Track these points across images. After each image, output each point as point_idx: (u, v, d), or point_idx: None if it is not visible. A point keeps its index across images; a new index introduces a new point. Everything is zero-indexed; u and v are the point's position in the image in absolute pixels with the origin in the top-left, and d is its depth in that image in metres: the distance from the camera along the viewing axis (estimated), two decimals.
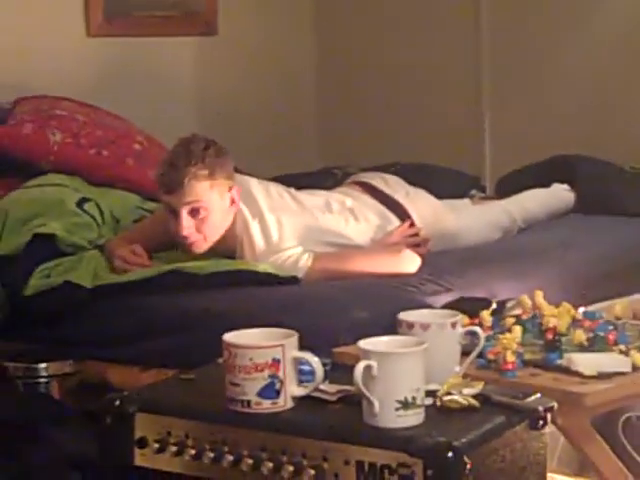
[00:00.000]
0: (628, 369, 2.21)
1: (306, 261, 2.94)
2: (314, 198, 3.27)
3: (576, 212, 3.79)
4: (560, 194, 3.83)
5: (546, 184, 3.84)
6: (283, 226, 3.00)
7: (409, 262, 2.99)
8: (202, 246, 2.95)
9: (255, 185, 3.16)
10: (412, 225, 3.28)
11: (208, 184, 2.90)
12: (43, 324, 2.90)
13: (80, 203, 3.24)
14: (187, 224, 2.90)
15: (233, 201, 2.99)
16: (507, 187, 3.93)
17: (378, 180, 3.48)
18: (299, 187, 3.41)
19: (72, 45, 4.16)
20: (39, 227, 3.07)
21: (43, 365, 2.83)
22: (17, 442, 2.33)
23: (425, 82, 4.67)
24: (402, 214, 3.32)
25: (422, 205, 3.41)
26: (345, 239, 3.13)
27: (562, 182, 3.86)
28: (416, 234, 3.24)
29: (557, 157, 4.05)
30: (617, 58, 4.22)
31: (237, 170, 4.02)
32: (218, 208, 2.94)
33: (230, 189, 2.98)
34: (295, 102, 4.87)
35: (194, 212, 2.91)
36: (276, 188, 3.22)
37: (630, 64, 4.20)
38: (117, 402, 1.96)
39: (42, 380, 2.82)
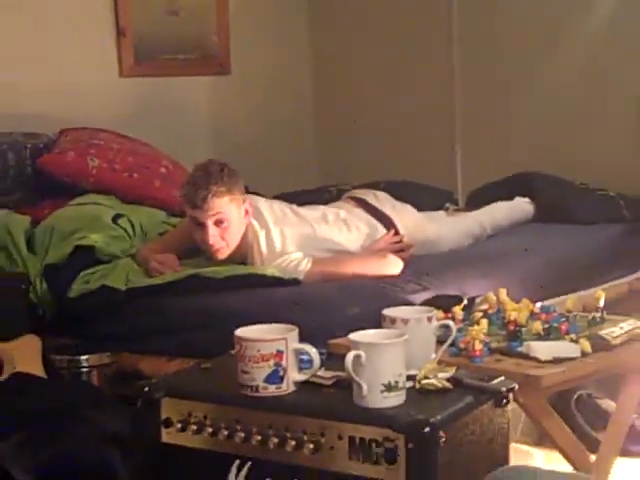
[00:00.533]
0: (578, 354, 2.21)
1: (305, 265, 2.94)
2: (312, 212, 3.27)
3: (535, 221, 3.79)
4: (522, 206, 3.82)
5: (510, 197, 3.84)
6: (286, 236, 3.00)
7: (393, 265, 2.98)
8: (225, 252, 2.96)
9: (262, 203, 3.16)
10: (396, 234, 3.28)
11: (227, 199, 2.91)
12: (84, 322, 2.91)
13: (115, 218, 3.24)
14: (213, 233, 2.91)
15: (247, 212, 3.00)
16: (477, 200, 3.92)
17: (370, 196, 3.49)
18: (300, 202, 3.42)
19: (107, 84, 4.15)
20: (80, 239, 3.07)
21: (84, 357, 2.82)
22: (63, 423, 2.33)
23: (407, 113, 4.65)
24: (389, 224, 3.32)
25: (406, 216, 3.41)
26: (339, 246, 3.13)
27: (523, 195, 3.86)
28: (399, 241, 3.24)
29: (519, 174, 4.03)
30: (570, 92, 4.21)
31: (246, 189, 4.06)
32: (236, 218, 2.95)
33: (244, 202, 2.99)
34: (296, 130, 4.86)
35: (217, 223, 2.92)
36: (279, 205, 3.22)
37: (580, 98, 4.18)
38: (146, 388, 1.96)
39: (84, 370, 2.81)
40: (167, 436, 1.93)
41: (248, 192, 3.94)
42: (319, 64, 4.96)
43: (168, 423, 1.93)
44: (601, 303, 2.45)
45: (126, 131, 3.85)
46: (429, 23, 4.59)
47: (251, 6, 4.68)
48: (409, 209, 3.49)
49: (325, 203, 3.54)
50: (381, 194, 3.53)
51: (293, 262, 2.94)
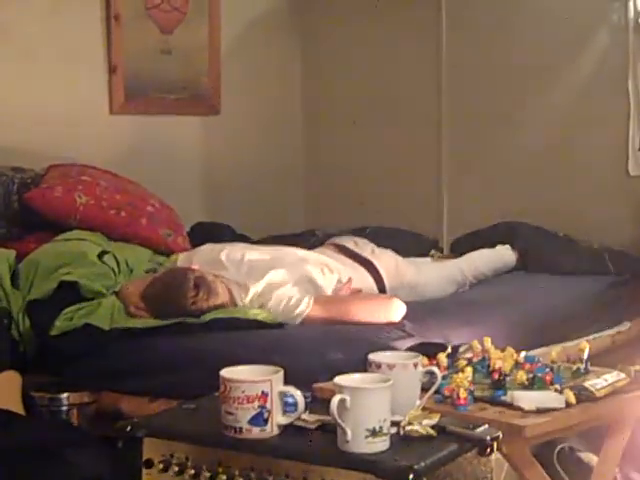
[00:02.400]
0: (562, 405, 2.21)
1: (307, 305, 2.94)
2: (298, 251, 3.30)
3: (519, 270, 3.81)
4: (503, 254, 3.84)
5: (493, 246, 3.86)
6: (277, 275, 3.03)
7: (398, 309, 2.96)
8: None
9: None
10: (378, 277, 3.31)
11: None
12: (66, 360, 2.87)
13: (100, 255, 3.22)
14: None
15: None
16: (461, 248, 3.94)
17: (350, 242, 3.52)
18: (287, 245, 3.44)
19: (97, 121, 4.15)
20: (65, 275, 3.04)
21: (65, 395, 2.79)
22: (42, 462, 2.30)
23: (393, 164, 4.69)
24: (369, 267, 3.34)
25: (385, 259, 3.44)
26: (319, 288, 3.14)
27: (505, 244, 3.89)
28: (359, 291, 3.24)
29: (503, 223, 4.07)
30: (555, 145, 4.24)
31: (234, 231, 4.07)
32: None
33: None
34: (284, 173, 4.88)
35: None
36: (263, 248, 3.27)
37: (565, 150, 4.22)
38: (128, 427, 1.94)
39: (63, 408, 2.77)
40: (148, 477, 1.91)
41: (235, 234, 3.99)
42: (308, 110, 4.99)
43: (149, 464, 1.90)
44: (585, 354, 2.46)
45: (114, 168, 3.85)
46: (417, 73, 4.64)
47: (243, 49, 4.72)
48: (388, 253, 3.52)
49: (311, 247, 3.56)
50: (360, 240, 3.57)
51: (292, 301, 2.94)
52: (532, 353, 2.57)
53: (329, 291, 3.15)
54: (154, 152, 4.29)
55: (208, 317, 2.90)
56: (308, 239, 3.81)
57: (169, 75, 4.44)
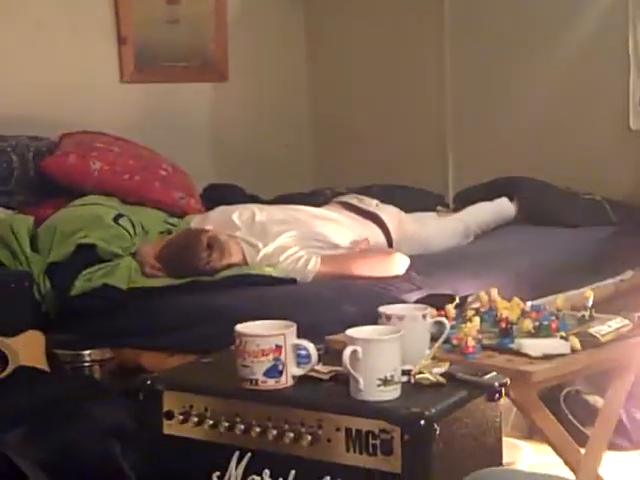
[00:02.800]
0: (567, 351, 2.21)
1: (314, 264, 2.94)
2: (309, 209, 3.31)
3: (523, 223, 3.79)
4: (504, 205, 3.84)
5: (494, 199, 3.85)
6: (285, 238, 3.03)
7: (400, 263, 2.97)
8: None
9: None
10: (384, 230, 3.31)
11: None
12: (86, 319, 2.88)
13: (116, 218, 3.22)
14: None
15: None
16: (464, 201, 3.93)
17: (353, 199, 3.53)
18: (296, 204, 3.45)
19: (109, 89, 4.14)
20: (82, 238, 3.05)
21: (87, 352, 2.82)
22: (67, 416, 2.32)
23: (398, 123, 4.67)
24: (374, 219, 3.34)
25: (389, 212, 3.44)
26: (331, 243, 3.14)
27: (509, 198, 3.87)
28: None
29: (505, 177, 4.05)
30: (557, 101, 4.22)
31: (244, 191, 4.07)
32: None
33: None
34: (293, 135, 4.86)
35: None
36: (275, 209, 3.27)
37: (567, 106, 4.19)
38: (148, 382, 1.95)
39: (86, 364, 2.81)
40: (169, 428, 1.92)
41: (245, 195, 3.99)
42: (315, 71, 4.96)
43: (170, 415, 1.91)
44: (590, 302, 2.45)
45: (127, 135, 3.84)
46: (420, 34, 4.61)
47: (249, 16, 4.68)
48: (392, 208, 3.51)
49: (319, 206, 3.56)
50: (366, 198, 3.56)
51: (301, 261, 2.94)
52: (538, 302, 2.57)
53: (344, 248, 3.14)
54: (165, 119, 4.27)
55: (222, 275, 2.90)
56: (316, 198, 3.80)
57: (177, 44, 4.42)
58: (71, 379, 2.71)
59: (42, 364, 2.65)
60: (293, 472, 1.80)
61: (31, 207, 3.41)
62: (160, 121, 4.25)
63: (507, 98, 4.35)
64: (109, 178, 3.47)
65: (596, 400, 2.94)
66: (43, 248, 3.08)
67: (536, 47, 4.25)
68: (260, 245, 3.03)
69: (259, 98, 4.72)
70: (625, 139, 4.05)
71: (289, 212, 3.28)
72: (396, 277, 2.90)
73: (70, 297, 2.89)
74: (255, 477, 1.83)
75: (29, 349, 2.66)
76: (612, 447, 2.61)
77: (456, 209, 3.87)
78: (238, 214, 3.23)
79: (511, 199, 3.84)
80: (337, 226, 3.24)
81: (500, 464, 1.85)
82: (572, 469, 2.33)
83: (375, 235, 3.30)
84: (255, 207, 3.35)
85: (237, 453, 1.84)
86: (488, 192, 3.90)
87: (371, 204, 3.47)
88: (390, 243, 3.33)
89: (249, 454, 1.83)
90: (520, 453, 2.68)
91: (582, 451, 2.42)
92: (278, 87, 4.81)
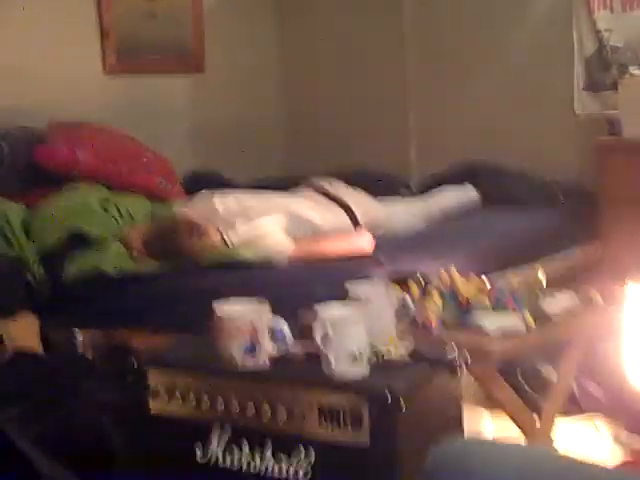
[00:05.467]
0: (523, 328, 2.22)
1: (289, 246, 2.93)
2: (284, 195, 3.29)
3: (480, 205, 3.80)
4: (466, 190, 3.84)
5: (456, 183, 3.85)
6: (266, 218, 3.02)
7: (366, 241, 2.97)
8: None
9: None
10: (351, 215, 3.30)
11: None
12: (78, 302, 2.86)
13: (103, 205, 3.20)
14: None
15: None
16: (428, 187, 3.92)
17: (325, 183, 3.51)
18: (271, 188, 3.43)
19: (92, 81, 4.08)
20: (73, 225, 3.02)
21: (79, 334, 2.79)
22: (61, 394, 2.30)
23: (364, 111, 4.63)
24: (344, 206, 3.33)
25: (358, 199, 3.43)
26: (317, 227, 3.14)
27: (469, 182, 3.87)
28: None
29: (465, 163, 4.05)
30: (512, 89, 4.21)
31: (222, 176, 4.04)
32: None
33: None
34: (266, 123, 4.82)
35: None
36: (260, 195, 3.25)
37: (517, 95, 4.19)
38: (134, 364, 1.94)
39: (78, 345, 2.79)
40: (154, 404, 1.92)
41: (224, 180, 3.96)
42: (286, 63, 4.92)
43: (155, 393, 1.91)
44: (542, 279, 2.46)
45: (110, 124, 3.78)
46: (384, 21, 4.57)
47: (223, 10, 4.63)
48: (359, 192, 3.51)
49: (292, 188, 3.54)
50: (335, 181, 3.55)
51: (277, 244, 2.93)
52: (494, 279, 2.57)
53: (326, 230, 3.14)
54: (146, 108, 4.22)
55: (204, 260, 2.88)
56: (290, 182, 3.78)
57: (156, 37, 4.35)
58: (64, 360, 2.68)
59: (36, 346, 2.63)
60: (270, 445, 1.80)
61: (21, 195, 3.35)
62: (141, 111, 4.19)
63: (465, 88, 4.34)
64: (94, 166, 3.42)
65: (550, 372, 2.96)
66: (35, 235, 3.04)
67: (489, 40, 4.24)
68: (240, 228, 3.01)
69: (234, 88, 4.67)
70: (571, 123, 4.06)
71: (268, 198, 3.25)
72: (364, 257, 2.89)
73: (62, 282, 2.86)
74: (235, 450, 1.82)
75: (24, 331, 2.64)
76: (564, 413, 2.63)
77: (419, 192, 3.86)
78: (218, 199, 3.21)
79: (472, 183, 3.84)
80: (314, 210, 3.22)
81: (462, 435, 1.86)
82: (527, 435, 2.35)
83: (343, 219, 3.29)
84: (235, 192, 3.33)
85: (218, 428, 1.83)
86: (451, 177, 3.90)
87: (340, 188, 3.45)
88: (357, 226, 3.32)
89: (229, 429, 1.83)
90: (482, 421, 2.69)
91: (537, 419, 2.44)
92: (252, 77, 4.77)
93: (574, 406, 2.89)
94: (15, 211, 3.09)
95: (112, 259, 2.90)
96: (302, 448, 1.77)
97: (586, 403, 2.92)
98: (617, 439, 2.77)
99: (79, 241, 2.98)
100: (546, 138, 4.12)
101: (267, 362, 1.88)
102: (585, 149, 3.91)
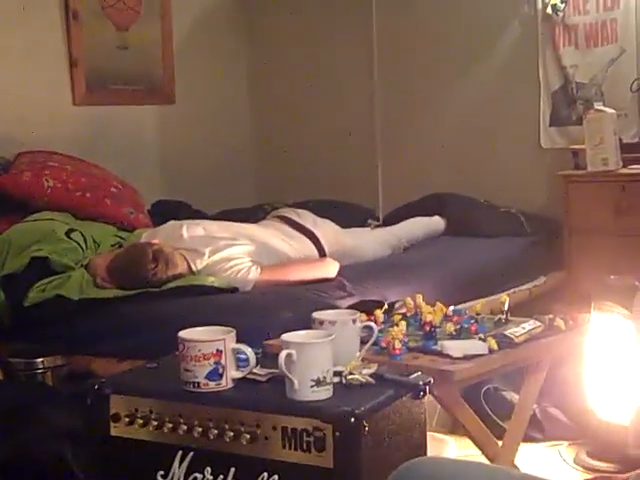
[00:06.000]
0: (486, 351, 2.23)
1: (255, 272, 2.92)
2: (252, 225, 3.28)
3: (447, 235, 3.83)
4: (434, 221, 3.87)
5: (424, 214, 3.87)
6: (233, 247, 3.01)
7: (332, 267, 2.99)
8: None
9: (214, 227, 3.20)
10: (318, 246, 3.31)
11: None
12: (39, 327, 2.83)
13: (68, 233, 3.17)
14: None
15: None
16: (395, 218, 3.95)
17: (292, 214, 3.52)
18: (238, 219, 3.43)
19: (61, 111, 4.07)
20: (36, 251, 3.00)
21: (39, 359, 2.75)
22: (21, 421, 2.27)
23: (332, 143, 4.68)
24: (311, 236, 3.34)
25: (326, 229, 3.45)
26: (284, 256, 3.15)
27: (437, 213, 3.90)
28: None
29: (432, 195, 4.09)
30: (478, 121, 4.27)
31: (190, 207, 4.04)
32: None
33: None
34: (235, 154, 4.84)
35: None
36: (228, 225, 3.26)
37: (484, 127, 4.24)
38: (96, 386, 1.91)
39: (39, 371, 2.74)
40: (115, 430, 1.89)
41: (192, 210, 3.96)
42: (256, 94, 4.95)
43: (116, 418, 1.88)
44: (506, 307, 2.48)
45: (79, 154, 3.78)
46: (352, 55, 4.62)
47: (193, 42, 4.66)
48: (329, 223, 3.53)
49: (259, 219, 3.55)
50: (302, 211, 3.57)
51: (242, 270, 2.92)
52: (459, 307, 2.59)
53: (294, 257, 3.15)
54: (115, 139, 4.22)
55: (168, 286, 2.87)
56: (257, 213, 3.79)
57: (126, 69, 4.36)
58: (24, 386, 2.64)
59: None
60: (233, 469, 1.78)
61: None
62: (110, 141, 4.19)
63: (432, 121, 4.40)
64: (62, 195, 3.40)
65: (512, 396, 2.97)
66: None
67: (457, 75, 4.30)
68: (206, 255, 3.01)
69: (204, 119, 4.69)
70: (537, 156, 4.11)
71: (236, 228, 3.25)
72: (330, 284, 2.89)
73: (24, 307, 2.83)
74: (197, 475, 1.81)
75: None
76: (527, 439, 2.63)
77: (386, 223, 3.88)
78: (186, 228, 3.20)
79: (440, 214, 3.87)
80: (282, 240, 3.23)
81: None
82: (490, 460, 2.35)
83: (310, 249, 3.30)
84: (204, 222, 3.33)
85: (180, 452, 1.81)
86: (418, 208, 3.93)
87: (308, 220, 3.46)
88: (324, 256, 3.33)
89: (191, 453, 1.81)
90: (445, 447, 2.69)
91: (500, 443, 2.45)
92: (221, 109, 4.79)
93: (537, 431, 2.90)
94: None
95: (75, 286, 2.87)
96: (265, 472, 1.75)
97: (549, 427, 2.93)
98: (579, 464, 2.78)
99: (42, 268, 2.95)
100: (512, 170, 4.18)
101: (231, 386, 1.86)
102: (550, 181, 3.96)
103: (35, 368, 2.74)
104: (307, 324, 2.03)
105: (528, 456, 2.76)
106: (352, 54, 4.62)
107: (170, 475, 1.82)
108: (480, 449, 2.39)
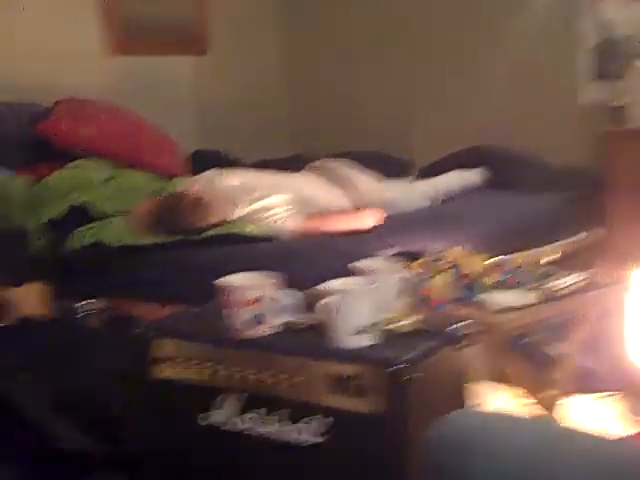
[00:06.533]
0: (528, 302, 2.20)
1: (293, 221, 2.92)
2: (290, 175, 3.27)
3: (486, 188, 3.78)
4: (475, 173, 3.82)
5: (464, 167, 3.83)
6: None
7: (371, 218, 2.97)
8: None
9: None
10: None
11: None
12: (80, 274, 2.85)
13: (107, 180, 3.19)
14: None
15: None
16: (434, 170, 3.91)
17: (331, 164, 3.51)
18: (277, 168, 3.41)
19: (96, 62, 4.05)
20: (75, 199, 3.02)
21: (83, 303, 2.78)
22: (67, 361, 2.30)
23: (372, 93, 4.64)
24: (349, 187, 3.31)
25: (364, 180, 3.43)
26: (324, 206, 3.14)
27: (476, 166, 3.85)
28: None
29: (472, 147, 4.05)
30: (520, 75, 4.21)
31: (227, 157, 4.03)
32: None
33: None
34: (271, 104, 4.81)
35: None
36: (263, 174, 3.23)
37: (524, 83, 4.18)
38: (139, 330, 1.93)
39: (84, 314, 2.76)
40: (157, 372, 1.90)
41: (229, 160, 3.95)
42: (291, 43, 4.90)
43: (158, 361, 1.89)
44: (549, 259, 2.44)
45: (115, 102, 3.76)
46: (387, 4, 4.54)
47: None
48: (368, 174, 3.49)
49: (298, 169, 3.53)
50: (340, 162, 3.57)
51: (281, 219, 2.92)
52: (499, 259, 2.55)
53: (331, 207, 3.14)
54: (149, 89, 4.19)
55: (208, 234, 2.86)
56: (295, 162, 3.76)
57: (159, 18, 4.31)
58: (70, 327, 2.67)
59: (44, 313, 2.61)
60: (279, 410, 1.78)
61: (27, 169, 3.34)
62: (144, 91, 4.17)
63: (471, 77, 4.34)
64: (99, 142, 3.41)
65: (554, 349, 2.94)
66: (38, 207, 3.03)
67: (497, 29, 4.23)
68: (244, 204, 3.00)
69: (237, 69, 4.65)
70: (577, 112, 4.06)
71: (274, 178, 3.24)
72: (369, 235, 2.88)
73: (64, 254, 2.84)
74: (235, 419, 1.81)
75: (31, 300, 2.62)
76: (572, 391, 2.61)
77: (425, 176, 3.85)
78: (225, 177, 3.19)
79: (479, 166, 3.82)
80: (320, 189, 3.21)
81: (467, 407, 1.84)
82: (547, 410, 2.34)
83: (348, 200, 3.28)
84: (242, 172, 3.32)
85: (220, 396, 1.82)
86: (458, 161, 3.88)
87: (346, 170, 3.44)
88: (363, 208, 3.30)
89: (234, 395, 1.81)
90: (487, 397, 2.67)
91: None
92: (255, 58, 4.75)
93: (581, 382, 2.88)
94: (19, 184, 3.08)
95: (115, 233, 2.88)
96: (312, 415, 1.75)
97: (586, 382, 2.91)
98: (627, 414, 2.75)
99: (82, 215, 2.96)
100: (551, 126, 4.14)
101: (272, 332, 1.86)
102: (592, 137, 3.90)
103: (80, 311, 2.75)
104: (346, 274, 2.01)
105: (574, 407, 2.74)
106: (387, 2, 4.55)
107: (210, 418, 1.83)
108: (535, 399, 2.38)
